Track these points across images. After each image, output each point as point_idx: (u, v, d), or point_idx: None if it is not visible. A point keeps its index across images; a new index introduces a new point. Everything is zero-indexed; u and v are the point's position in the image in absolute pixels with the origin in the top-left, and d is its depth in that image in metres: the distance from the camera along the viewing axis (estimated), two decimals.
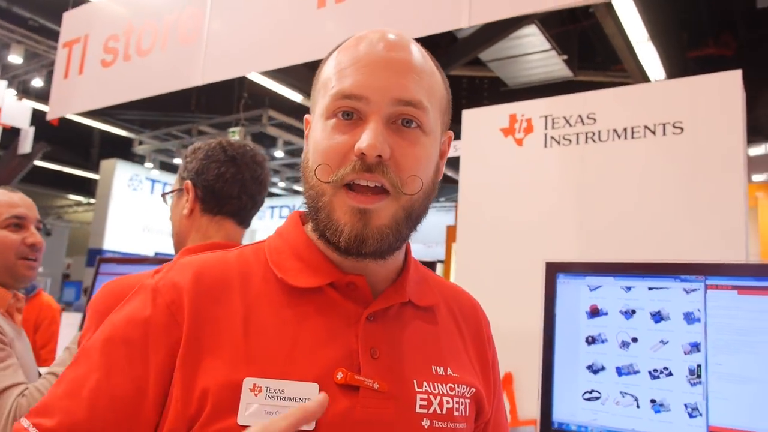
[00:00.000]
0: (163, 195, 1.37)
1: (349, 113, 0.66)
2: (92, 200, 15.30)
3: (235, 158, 1.27)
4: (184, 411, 0.60)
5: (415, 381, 0.67)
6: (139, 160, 12.16)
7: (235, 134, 8.89)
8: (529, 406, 2.57)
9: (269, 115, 9.34)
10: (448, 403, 0.68)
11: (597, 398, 1.35)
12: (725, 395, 1.22)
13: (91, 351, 0.65)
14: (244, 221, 1.32)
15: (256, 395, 0.60)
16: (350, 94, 0.65)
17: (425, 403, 0.66)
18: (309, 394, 0.61)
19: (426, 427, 0.66)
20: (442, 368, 0.71)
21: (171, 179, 13.07)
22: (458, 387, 0.70)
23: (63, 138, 11.18)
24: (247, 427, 0.58)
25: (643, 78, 6.93)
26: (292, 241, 0.72)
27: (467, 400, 0.71)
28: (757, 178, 7.74)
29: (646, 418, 1.29)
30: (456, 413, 0.69)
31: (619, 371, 1.34)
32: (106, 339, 0.65)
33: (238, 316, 0.65)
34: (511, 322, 2.65)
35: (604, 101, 2.73)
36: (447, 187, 13.57)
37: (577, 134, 2.76)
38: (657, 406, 1.28)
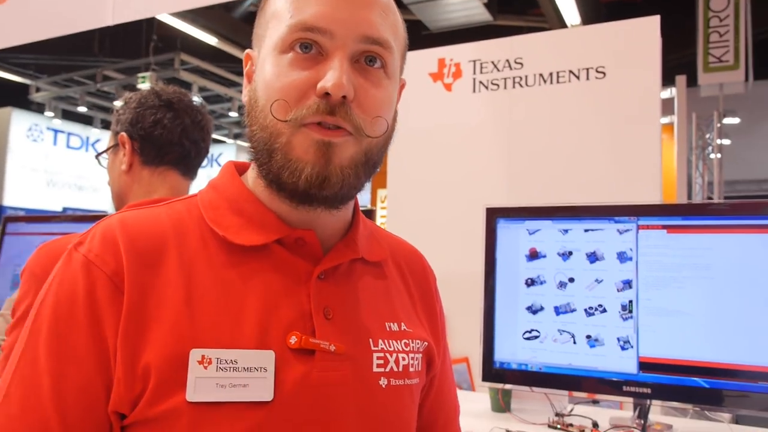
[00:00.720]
0: (97, 156, 1.26)
1: (308, 45, 0.60)
2: None
3: (172, 102, 1.18)
4: (126, 391, 0.55)
5: (371, 340, 0.65)
6: (38, 108, 11.23)
7: (146, 80, 8.35)
8: (460, 344, 2.66)
9: (182, 59, 8.82)
10: (403, 359, 0.67)
11: (536, 337, 1.41)
12: (654, 328, 1.30)
13: (35, 353, 0.56)
14: (190, 171, 1.24)
15: (205, 368, 0.55)
16: (313, 26, 0.59)
17: (382, 362, 0.65)
18: (265, 363, 0.57)
19: (384, 386, 0.64)
20: (395, 324, 0.69)
21: (75, 129, 12.16)
22: (412, 342, 0.69)
23: None
24: (197, 404, 0.54)
25: (560, 23, 7.07)
26: (230, 195, 0.65)
27: (420, 355, 0.70)
28: (662, 120, 8.21)
29: (582, 353, 1.36)
30: (411, 369, 0.68)
31: (557, 310, 1.40)
32: (48, 335, 0.56)
33: (178, 281, 0.59)
34: (442, 264, 2.70)
35: (531, 46, 2.76)
36: None
37: (505, 79, 2.79)
38: (592, 341, 1.36)
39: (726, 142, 7.68)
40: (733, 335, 1.23)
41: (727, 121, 7.92)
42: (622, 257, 1.34)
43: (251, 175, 0.67)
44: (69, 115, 11.53)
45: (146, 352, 0.55)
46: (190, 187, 1.25)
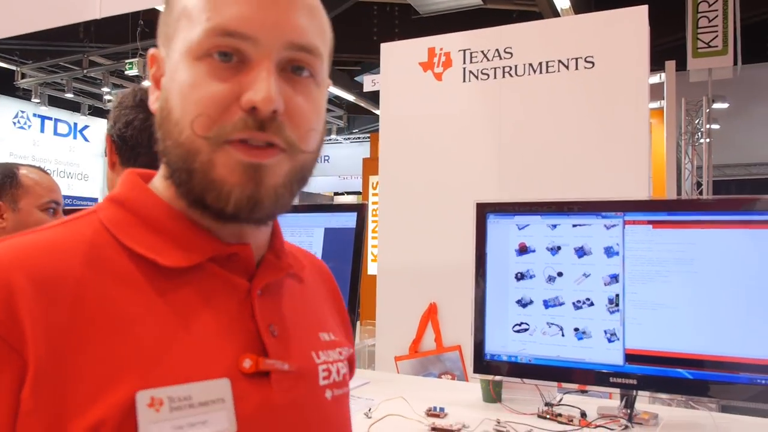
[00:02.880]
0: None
1: (228, 54, 0.52)
2: None
3: (144, 101, 1.18)
4: None
5: (313, 353, 0.62)
6: (24, 95, 11.09)
7: (133, 66, 8.27)
8: (451, 333, 2.70)
9: None
10: (342, 368, 0.64)
11: (526, 330, 1.44)
12: (639, 321, 1.34)
13: None
14: None
15: (157, 410, 0.48)
16: (234, 31, 0.52)
17: (326, 374, 0.62)
18: (221, 393, 0.51)
19: (329, 398, 0.61)
20: (326, 334, 0.66)
21: (63, 115, 12.02)
22: (343, 350, 0.66)
23: None
24: None
25: (550, 7, 7.05)
26: (143, 211, 0.57)
27: (346, 362, 0.67)
28: (651, 105, 8.24)
29: (570, 345, 1.40)
30: (346, 377, 0.65)
31: (546, 304, 1.43)
32: None
33: (101, 317, 0.50)
34: (432, 255, 2.74)
35: (520, 35, 2.76)
36: (361, 118, 13.50)
37: (495, 68, 2.79)
38: (580, 333, 1.39)
39: (715, 126, 7.72)
40: (716, 328, 1.27)
41: (716, 106, 7.96)
42: (609, 252, 1.37)
43: (164, 190, 0.58)
44: (56, 102, 11.41)
45: (79, 412, 0.46)
46: None
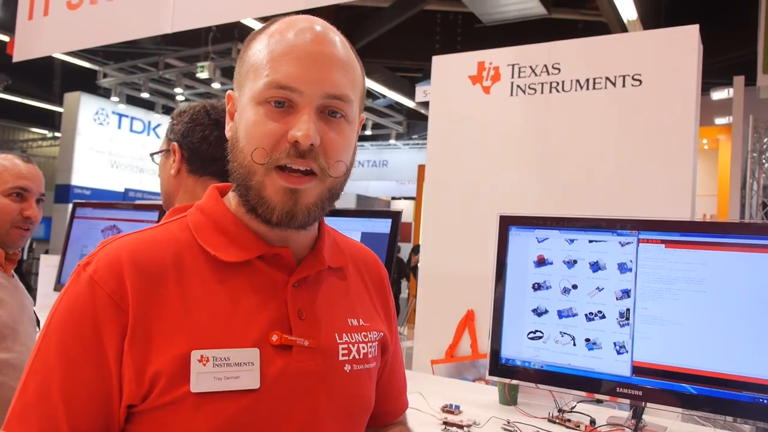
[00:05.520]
0: (152, 155, 1.45)
1: (281, 102, 0.71)
2: (57, 134, 14.91)
3: (219, 122, 1.34)
4: (137, 390, 0.67)
5: (336, 334, 0.78)
6: (104, 93, 11.81)
7: (204, 69, 8.70)
8: (487, 341, 2.77)
9: (238, 48, 9.11)
10: (363, 348, 0.81)
11: (540, 337, 1.52)
12: (648, 335, 1.39)
13: (48, 355, 0.68)
14: (228, 181, 1.41)
15: (204, 365, 0.68)
16: (285, 85, 0.70)
17: (346, 351, 0.78)
18: (251, 358, 0.70)
19: (348, 371, 0.78)
20: (355, 320, 0.82)
21: (138, 113, 12.63)
22: (370, 334, 0.83)
23: (23, 69, 10.76)
24: (198, 393, 0.66)
25: (616, 17, 6.95)
26: (216, 217, 0.77)
27: (376, 343, 0.84)
28: (720, 121, 7.96)
29: (581, 355, 1.47)
30: (369, 356, 0.82)
31: (560, 314, 1.50)
32: (58, 340, 0.68)
33: (176, 295, 0.70)
34: (472, 263, 2.82)
35: (569, 52, 2.80)
36: (420, 125, 13.59)
37: (542, 84, 2.84)
38: (590, 344, 1.46)
39: None
40: (721, 347, 1.31)
41: None
42: (623, 268, 1.43)
43: (233, 200, 0.79)
44: (132, 101, 12.09)
45: (154, 356, 0.67)
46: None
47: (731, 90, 6.81)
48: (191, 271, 0.73)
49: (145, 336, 0.68)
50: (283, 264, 0.77)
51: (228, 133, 0.79)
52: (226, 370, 0.69)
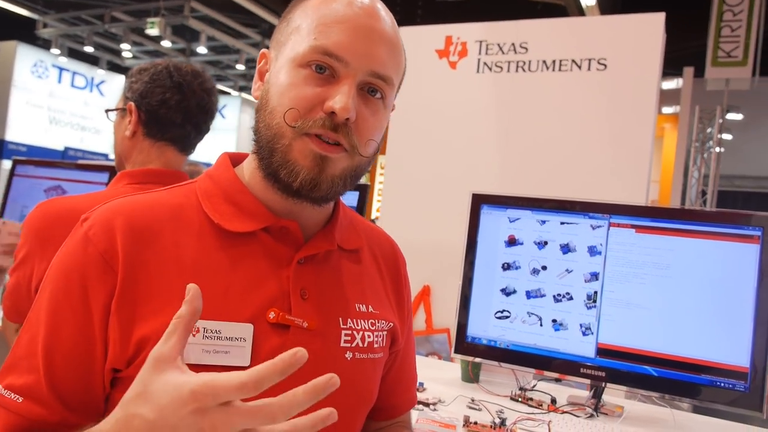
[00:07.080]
0: (107, 111, 1.35)
1: (323, 68, 0.67)
2: None
3: (182, 85, 1.25)
4: (121, 353, 0.63)
5: (340, 319, 0.74)
6: (44, 44, 11.13)
7: (154, 26, 8.30)
8: (442, 316, 2.79)
9: (192, 6, 8.73)
10: (369, 337, 0.76)
11: (507, 317, 1.52)
12: (614, 318, 1.41)
13: (40, 307, 0.67)
14: (187, 149, 1.32)
15: (194, 335, 0.63)
16: (332, 53, 0.67)
17: (349, 338, 0.74)
18: (244, 334, 0.65)
19: (349, 359, 0.73)
20: (364, 306, 0.77)
21: (81, 68, 12.00)
22: (378, 322, 0.78)
23: None
24: (186, 365, 0.61)
25: (575, 3, 7.02)
26: (224, 185, 0.74)
27: (384, 333, 0.79)
28: (667, 110, 8.23)
29: (547, 335, 1.48)
30: (375, 345, 0.77)
31: (528, 294, 1.50)
32: (49, 295, 0.66)
33: (171, 260, 0.67)
34: (430, 238, 2.82)
35: (537, 31, 2.79)
36: None
37: (509, 62, 2.83)
38: (557, 325, 1.47)
39: (727, 137, 7.71)
40: (683, 331, 1.35)
41: (731, 116, 7.93)
42: (593, 251, 1.44)
43: (247, 167, 0.75)
44: (75, 54, 11.45)
45: (142, 320, 0.63)
46: (185, 161, 1.33)
47: (680, 80, 7.03)
48: (191, 237, 0.69)
49: (134, 298, 0.64)
50: (290, 239, 0.73)
51: (255, 93, 0.74)
52: (216, 343, 0.65)
